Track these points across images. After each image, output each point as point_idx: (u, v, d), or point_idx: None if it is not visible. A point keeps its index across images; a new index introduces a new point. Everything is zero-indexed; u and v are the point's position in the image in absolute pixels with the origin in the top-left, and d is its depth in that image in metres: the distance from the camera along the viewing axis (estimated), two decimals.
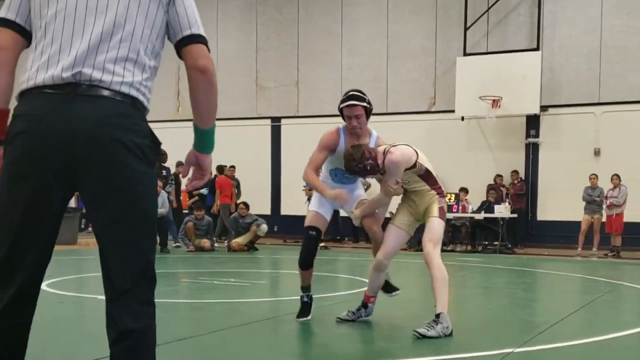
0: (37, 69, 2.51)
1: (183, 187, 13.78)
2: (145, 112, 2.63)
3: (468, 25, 17.81)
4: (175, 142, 19.74)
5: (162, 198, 14.44)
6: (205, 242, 14.62)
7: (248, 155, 19.92)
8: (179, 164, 16.87)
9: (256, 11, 20.74)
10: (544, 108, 17.20)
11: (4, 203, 2.55)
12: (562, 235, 16.45)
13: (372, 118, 21.21)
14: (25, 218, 2.52)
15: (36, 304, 2.67)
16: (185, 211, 17.31)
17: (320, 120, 19.67)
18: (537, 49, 17.20)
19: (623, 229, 15.26)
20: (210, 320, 6.56)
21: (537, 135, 17.62)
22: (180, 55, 2.67)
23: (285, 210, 20.12)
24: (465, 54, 17.71)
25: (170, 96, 21.72)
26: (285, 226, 19.58)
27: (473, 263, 12.70)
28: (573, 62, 17.22)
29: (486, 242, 16.25)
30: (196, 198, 17.28)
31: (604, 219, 15.52)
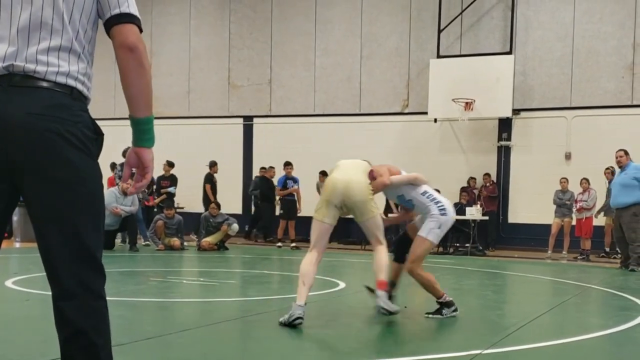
0: None
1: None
2: (86, 102, 2.52)
3: (442, 27, 17.86)
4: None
5: (132, 196, 14.30)
6: (175, 241, 14.48)
7: (219, 154, 19.76)
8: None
9: (229, 9, 20.62)
10: (516, 111, 17.31)
11: None
12: (532, 238, 16.57)
13: (345, 118, 21.31)
14: None
15: None
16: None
17: (292, 120, 19.67)
18: (510, 52, 17.30)
19: (592, 232, 15.40)
20: (178, 319, 6.49)
21: (509, 139, 17.72)
22: (108, 33, 2.51)
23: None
24: (438, 56, 17.75)
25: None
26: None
27: (444, 265, 12.71)
28: (545, 67, 17.35)
29: (457, 244, 16.29)
30: (164, 196, 17.11)
31: (574, 223, 15.64)
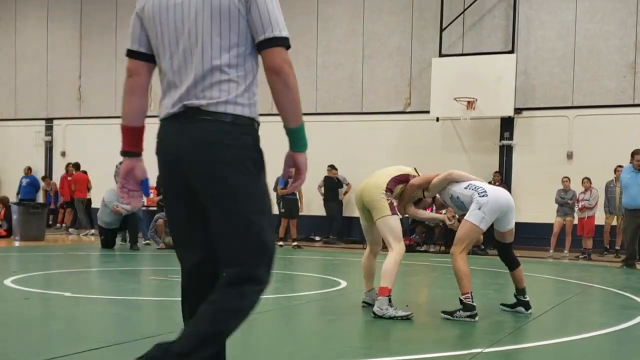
0: (161, 100, 2.95)
1: None
2: (250, 123, 2.89)
3: (444, 26, 17.82)
4: (147, 136, 19.76)
5: None
6: None
7: None
8: None
9: None
10: (518, 110, 17.26)
11: (166, 209, 3.13)
12: (535, 237, 16.52)
13: (347, 117, 21.31)
14: (181, 222, 3.02)
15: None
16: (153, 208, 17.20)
17: None
18: (512, 51, 17.25)
19: (594, 231, 15.37)
20: (178, 318, 6.42)
21: (511, 138, 17.68)
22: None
23: None
24: (440, 55, 17.71)
25: None
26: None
27: (446, 264, 12.65)
28: (547, 66, 17.30)
29: None
30: None
31: (575, 222, 15.62)
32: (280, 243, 16.19)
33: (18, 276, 8.80)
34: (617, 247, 15.52)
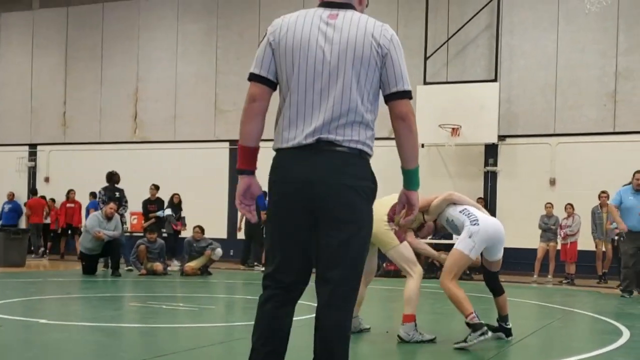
0: (285, 130, 3.19)
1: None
2: (369, 159, 3.25)
3: (428, 55, 17.95)
4: (132, 163, 19.73)
5: (116, 221, 14.19)
6: (158, 266, 14.34)
7: (205, 178, 19.73)
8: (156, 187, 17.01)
9: (217, 35, 20.67)
10: (501, 137, 17.35)
11: (276, 234, 3.26)
12: (518, 262, 16.52)
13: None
14: (290, 247, 3.24)
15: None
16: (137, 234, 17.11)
17: None
18: (495, 80, 17.39)
19: (577, 257, 15.41)
20: (156, 345, 6.39)
21: (495, 164, 17.75)
22: (387, 103, 3.21)
23: (242, 234, 19.92)
24: (425, 83, 17.82)
25: (127, 118, 21.49)
26: (241, 250, 19.36)
27: (430, 289, 12.62)
28: (529, 94, 17.45)
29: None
30: (152, 220, 17.03)
31: (559, 247, 15.65)
32: (263, 268, 16.04)
33: None
34: (604, 271, 15.45)
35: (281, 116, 3.24)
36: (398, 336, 6.38)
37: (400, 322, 6.46)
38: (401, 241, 6.50)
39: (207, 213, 18.45)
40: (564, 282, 15.20)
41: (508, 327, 6.79)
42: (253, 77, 3.23)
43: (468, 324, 6.17)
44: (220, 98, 20.56)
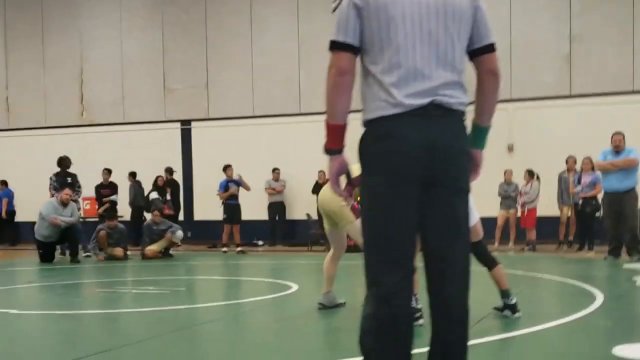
0: (389, 95, 2.84)
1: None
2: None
3: None
4: (81, 147, 19.21)
5: (72, 207, 13.82)
6: (119, 251, 14.03)
7: (158, 160, 19.30)
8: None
9: (162, 11, 20.13)
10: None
11: (389, 214, 2.88)
12: None
13: (284, 119, 21.07)
14: (402, 228, 2.90)
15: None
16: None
17: (231, 123, 19.33)
18: None
19: (537, 223, 15.49)
20: (128, 330, 6.20)
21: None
22: (472, 59, 3.05)
23: (199, 215, 19.64)
24: None
25: (73, 100, 20.90)
26: (198, 232, 19.12)
27: None
28: None
29: None
30: (107, 205, 16.65)
31: (519, 214, 15.73)
32: (224, 249, 15.89)
33: None
34: (571, 239, 15.56)
35: (376, 82, 2.88)
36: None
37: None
38: (357, 217, 6.37)
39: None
40: (525, 248, 15.29)
41: (511, 303, 6.34)
42: (339, 46, 2.87)
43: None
44: (169, 77, 20.11)
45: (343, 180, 3.12)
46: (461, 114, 2.96)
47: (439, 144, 2.86)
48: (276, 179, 18.39)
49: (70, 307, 7.62)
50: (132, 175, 18.44)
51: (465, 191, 3.00)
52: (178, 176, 19.34)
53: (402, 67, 2.84)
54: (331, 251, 6.75)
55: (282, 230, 18.52)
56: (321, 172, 17.81)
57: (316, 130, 18.88)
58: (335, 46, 2.87)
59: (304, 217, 17.67)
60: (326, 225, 6.66)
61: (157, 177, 16.93)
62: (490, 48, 3.06)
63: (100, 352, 5.00)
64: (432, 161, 2.85)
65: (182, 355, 5.04)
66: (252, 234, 17.89)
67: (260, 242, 18.35)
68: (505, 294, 6.35)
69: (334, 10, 2.93)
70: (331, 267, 6.69)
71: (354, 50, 2.88)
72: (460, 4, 2.93)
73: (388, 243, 2.89)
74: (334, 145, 3.00)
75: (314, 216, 17.89)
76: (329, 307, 6.68)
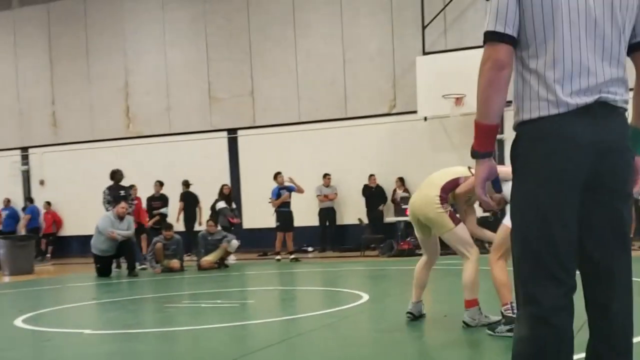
0: (551, 93, 2.61)
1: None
2: None
3: (425, 24, 17.57)
4: (128, 159, 19.23)
5: (128, 220, 13.80)
6: (175, 263, 13.96)
7: (205, 169, 19.27)
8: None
9: (205, 21, 20.13)
10: (507, 102, 16.96)
11: (552, 219, 2.62)
12: None
13: (331, 124, 20.75)
14: (565, 241, 2.63)
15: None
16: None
17: (277, 130, 19.24)
18: None
19: None
20: (216, 347, 5.98)
21: (501, 132, 17.39)
22: (631, 53, 2.76)
23: (248, 223, 19.53)
24: (424, 53, 17.46)
25: (119, 113, 20.97)
26: (249, 240, 19.00)
27: (447, 266, 12.38)
28: None
29: None
30: (157, 218, 16.63)
31: None
32: (278, 257, 15.78)
33: (26, 315, 8.25)
34: None
35: (536, 78, 2.65)
36: (464, 322, 6.04)
37: (464, 308, 6.12)
38: (456, 224, 6.16)
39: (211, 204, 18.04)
40: None
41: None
42: (498, 37, 2.62)
43: (502, 312, 5.71)
44: (214, 86, 20.08)
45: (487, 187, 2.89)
46: (624, 112, 2.71)
47: (607, 145, 2.62)
48: (327, 185, 18.23)
49: (144, 325, 7.50)
50: (186, 184, 18.26)
51: (631, 197, 2.76)
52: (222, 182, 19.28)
53: (566, 61, 2.60)
54: (423, 257, 6.55)
55: (332, 236, 18.37)
56: (372, 176, 17.65)
57: (363, 133, 18.80)
58: (494, 37, 2.62)
59: (354, 222, 17.50)
60: (418, 234, 6.45)
61: (223, 186, 16.73)
62: None
63: None
64: (599, 164, 2.62)
65: None
66: (301, 241, 17.76)
67: (310, 249, 18.21)
68: None
69: None
70: (423, 275, 6.49)
71: (514, 42, 2.64)
72: None
73: (547, 256, 2.61)
74: (484, 147, 2.78)
75: (366, 220, 17.76)
76: (417, 316, 6.50)
